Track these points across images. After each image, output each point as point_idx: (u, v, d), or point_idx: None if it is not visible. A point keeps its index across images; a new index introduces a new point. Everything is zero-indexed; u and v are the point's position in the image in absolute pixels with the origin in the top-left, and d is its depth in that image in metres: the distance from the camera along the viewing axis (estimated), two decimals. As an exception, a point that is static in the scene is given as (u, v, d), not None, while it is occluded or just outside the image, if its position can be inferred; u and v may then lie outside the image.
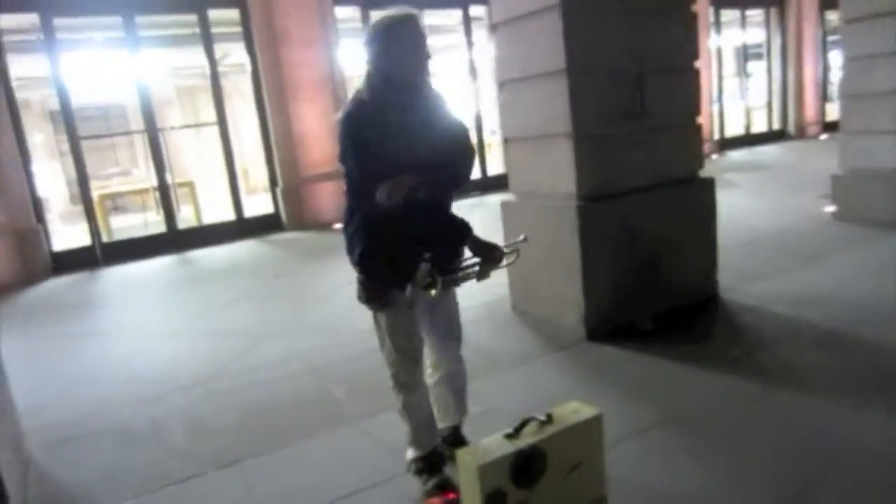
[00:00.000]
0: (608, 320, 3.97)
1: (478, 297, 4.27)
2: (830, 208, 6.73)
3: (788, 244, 5.99)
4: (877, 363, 3.30)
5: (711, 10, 14.50)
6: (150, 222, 10.56)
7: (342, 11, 9.73)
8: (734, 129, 15.64)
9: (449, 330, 2.42)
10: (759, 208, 7.81)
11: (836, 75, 17.67)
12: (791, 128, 16.47)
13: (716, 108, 14.87)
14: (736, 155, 14.10)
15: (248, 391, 3.78)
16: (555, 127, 3.91)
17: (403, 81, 2.12)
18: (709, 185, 4.43)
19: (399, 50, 2.07)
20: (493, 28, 4.28)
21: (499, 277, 2.58)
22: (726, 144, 14.89)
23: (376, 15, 2.17)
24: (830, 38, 17.23)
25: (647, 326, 4.05)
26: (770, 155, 13.82)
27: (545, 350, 3.92)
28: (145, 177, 12.87)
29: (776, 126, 16.30)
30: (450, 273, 2.17)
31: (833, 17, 16.90)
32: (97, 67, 10.80)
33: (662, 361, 3.58)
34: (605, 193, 3.96)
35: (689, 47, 4.32)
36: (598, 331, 3.93)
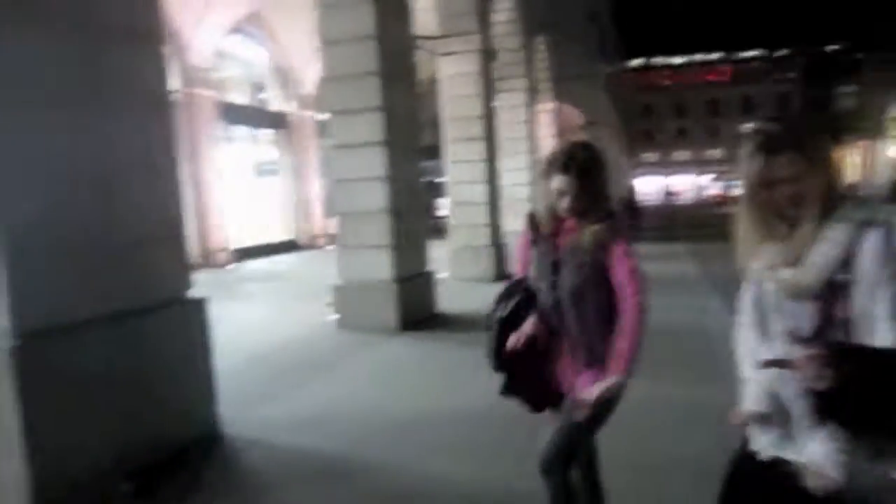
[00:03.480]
0: (71, 498, 2.95)
1: None
2: (334, 317, 7.06)
3: (297, 356, 5.93)
4: (376, 489, 3.17)
5: (223, 125, 14.84)
6: None
7: None
8: (251, 239, 16.02)
9: None
10: (271, 320, 7.76)
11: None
12: (301, 238, 17.85)
13: (231, 219, 15.00)
14: (254, 264, 14.35)
15: None
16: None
17: None
18: (200, 307, 3.90)
19: None
20: None
21: None
22: (245, 254, 15.06)
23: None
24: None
25: (127, 490, 3.18)
26: (285, 264, 14.52)
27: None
28: None
29: (290, 237, 17.43)
30: None
31: (328, 143, 19.45)
32: None
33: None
34: (58, 327, 3.03)
35: (164, 144, 3.80)
36: (54, 517, 2.87)
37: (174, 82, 13.51)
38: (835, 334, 1.40)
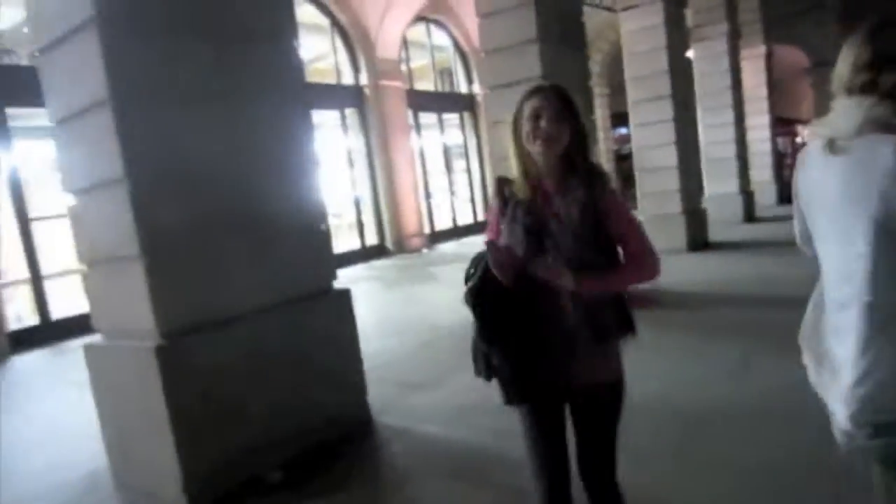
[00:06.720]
0: (221, 482, 3.12)
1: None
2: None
3: (465, 340, 5.82)
4: (516, 487, 2.87)
5: (410, 113, 15.33)
6: None
7: None
8: (443, 222, 16.42)
9: None
10: (449, 303, 7.78)
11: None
12: (492, 219, 17.90)
13: (424, 204, 15.51)
14: (445, 247, 14.69)
15: None
16: (123, 248, 3.08)
17: None
18: (344, 298, 3.93)
19: None
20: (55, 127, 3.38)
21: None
22: (437, 238, 15.50)
23: None
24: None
25: (275, 478, 3.29)
26: (474, 245, 14.61)
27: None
28: None
29: (480, 218, 17.59)
30: None
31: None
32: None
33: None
34: (204, 324, 3.20)
35: (304, 139, 3.84)
36: (205, 498, 3.05)
37: (363, 77, 14.27)
38: None
